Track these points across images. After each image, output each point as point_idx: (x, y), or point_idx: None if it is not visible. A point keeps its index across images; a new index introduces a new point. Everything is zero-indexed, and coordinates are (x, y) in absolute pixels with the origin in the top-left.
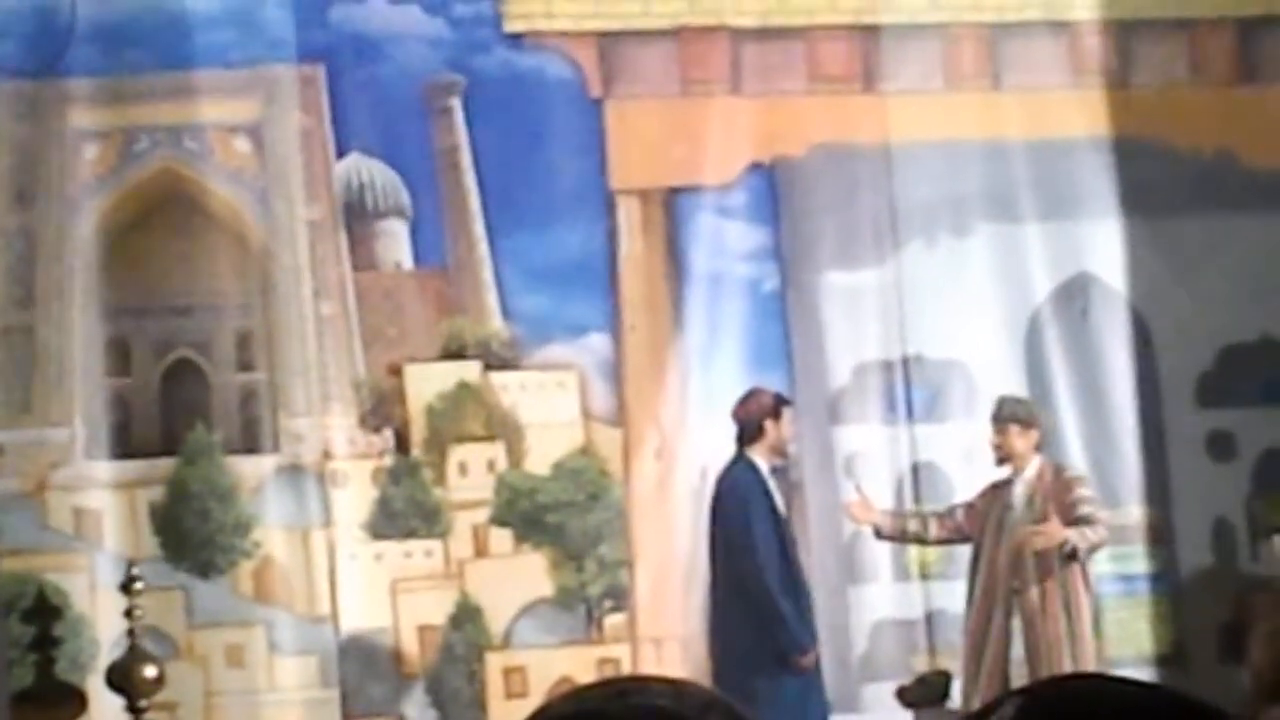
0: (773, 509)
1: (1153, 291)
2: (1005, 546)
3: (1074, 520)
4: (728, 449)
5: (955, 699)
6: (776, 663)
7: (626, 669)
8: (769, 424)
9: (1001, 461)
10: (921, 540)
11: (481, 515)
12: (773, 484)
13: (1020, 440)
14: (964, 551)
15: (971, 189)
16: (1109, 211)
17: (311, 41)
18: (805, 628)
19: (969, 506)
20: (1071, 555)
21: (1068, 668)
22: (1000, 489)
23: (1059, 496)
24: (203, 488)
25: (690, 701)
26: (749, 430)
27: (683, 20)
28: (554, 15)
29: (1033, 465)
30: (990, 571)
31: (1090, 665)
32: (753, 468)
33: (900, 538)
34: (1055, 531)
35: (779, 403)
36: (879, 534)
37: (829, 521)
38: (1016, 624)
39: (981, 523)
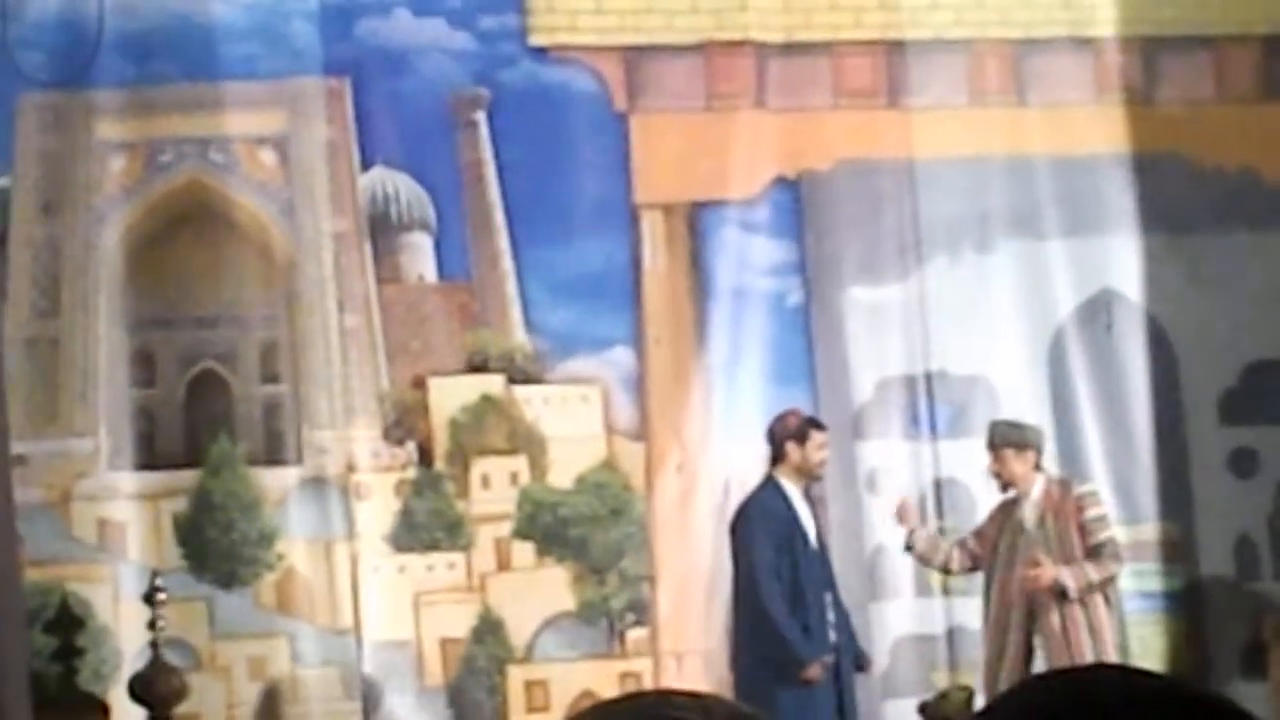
0: (794, 529)
1: (1176, 308)
2: (1018, 568)
3: (1088, 549)
4: (750, 464)
5: None
6: (776, 677)
7: (648, 683)
8: (791, 446)
9: (1005, 488)
10: (947, 570)
11: (504, 528)
12: (801, 505)
13: (1018, 464)
14: None
15: (995, 205)
16: (1133, 228)
17: (337, 54)
18: (810, 640)
19: (978, 534)
20: (1063, 595)
21: None
22: (1009, 510)
23: (1071, 517)
24: (226, 499)
25: (716, 715)
26: (775, 451)
27: (708, 35)
28: (579, 29)
29: (1037, 485)
30: (1003, 595)
31: None
32: (776, 488)
33: (927, 561)
34: (1045, 574)
35: (809, 425)
36: (909, 547)
37: (851, 537)
38: (1040, 644)
39: (992, 546)
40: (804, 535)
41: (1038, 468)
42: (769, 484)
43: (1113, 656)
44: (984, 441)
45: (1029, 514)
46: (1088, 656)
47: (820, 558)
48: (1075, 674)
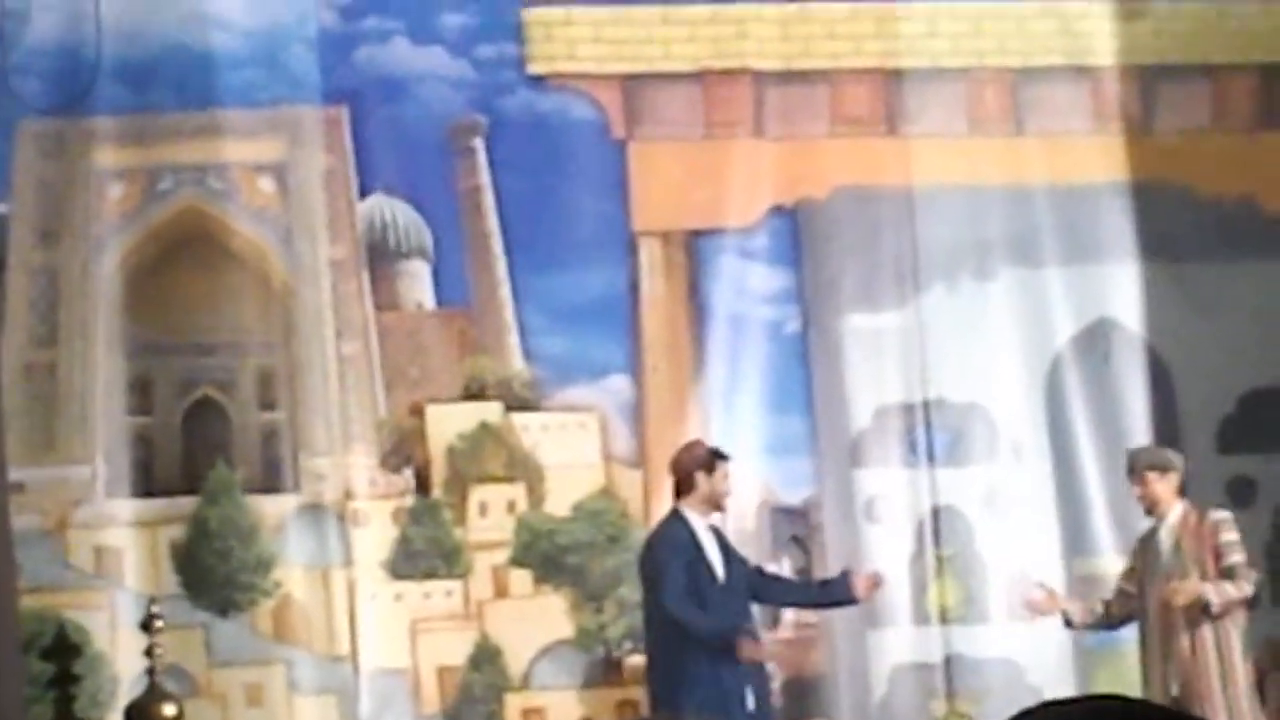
0: (699, 563)
1: (1174, 337)
2: (1154, 595)
3: (1221, 571)
4: (748, 492)
5: None
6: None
7: (645, 711)
8: (700, 476)
9: (1149, 511)
10: (1110, 625)
11: (501, 556)
12: (707, 538)
13: (1160, 485)
14: (984, 595)
15: (993, 233)
16: (1131, 256)
17: (336, 82)
18: (723, 622)
19: (1127, 574)
20: (1205, 610)
21: (1220, 715)
22: (1147, 540)
23: (1203, 542)
24: (224, 526)
25: None
26: (682, 483)
27: (705, 63)
28: (577, 57)
29: (1176, 510)
30: (1149, 622)
31: (1245, 713)
32: (682, 522)
33: (1093, 627)
34: (1192, 588)
35: (714, 456)
36: (1069, 624)
37: (849, 564)
38: (1170, 665)
39: (1140, 579)
40: (709, 568)
41: (1180, 493)
42: (674, 517)
43: (1241, 680)
44: (984, 466)
45: (1165, 538)
46: (1214, 679)
47: (726, 590)
48: (1079, 702)
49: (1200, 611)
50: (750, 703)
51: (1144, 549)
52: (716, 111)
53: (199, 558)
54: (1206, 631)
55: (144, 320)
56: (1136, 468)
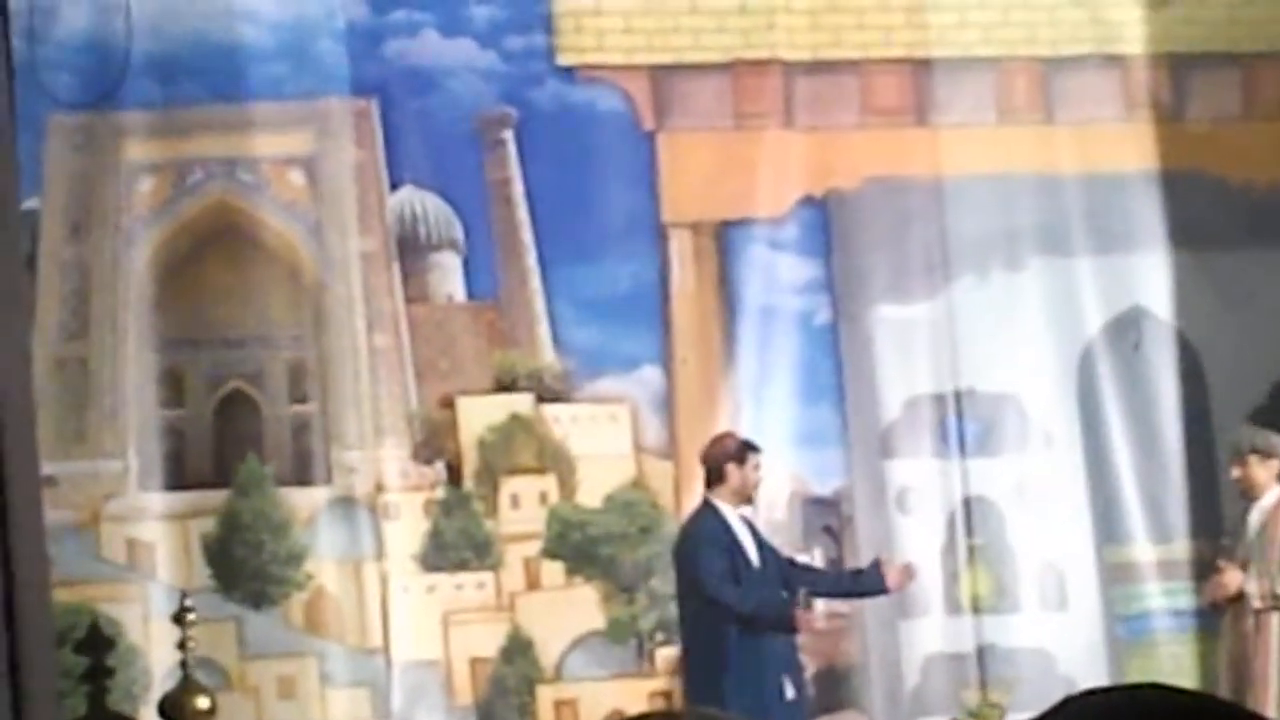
0: (735, 552)
1: (1205, 325)
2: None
3: None
4: (778, 483)
5: None
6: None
7: (678, 702)
8: (731, 468)
9: (1245, 493)
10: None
11: (533, 548)
12: (740, 527)
13: (1261, 470)
14: (1016, 585)
15: (1024, 223)
16: (1161, 245)
17: (365, 74)
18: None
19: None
20: (1246, 602)
21: (1273, 701)
22: (1239, 521)
23: None
24: (255, 519)
25: None
26: (712, 474)
27: (735, 53)
28: (606, 48)
29: (1272, 494)
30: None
31: None
32: (715, 513)
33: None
34: (1231, 580)
35: (745, 448)
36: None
37: (880, 555)
38: (1238, 655)
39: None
40: (745, 557)
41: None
42: (706, 509)
43: None
44: (1015, 456)
45: (1255, 520)
46: (1272, 668)
47: (761, 579)
48: (1118, 691)
49: (1240, 603)
50: (789, 693)
51: (1236, 530)
52: (746, 102)
53: (231, 551)
54: (1274, 619)
55: (174, 314)
56: (1240, 449)
